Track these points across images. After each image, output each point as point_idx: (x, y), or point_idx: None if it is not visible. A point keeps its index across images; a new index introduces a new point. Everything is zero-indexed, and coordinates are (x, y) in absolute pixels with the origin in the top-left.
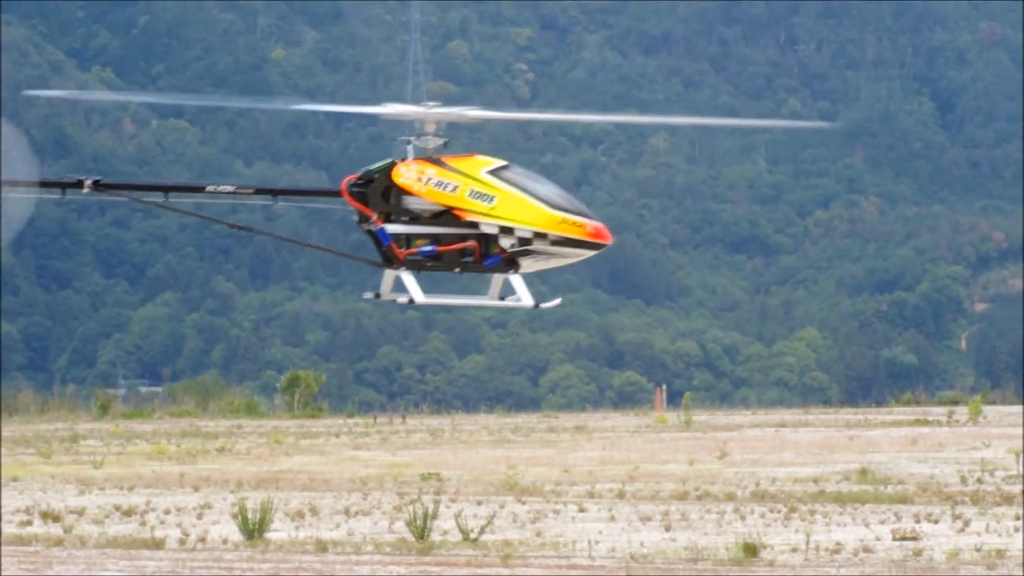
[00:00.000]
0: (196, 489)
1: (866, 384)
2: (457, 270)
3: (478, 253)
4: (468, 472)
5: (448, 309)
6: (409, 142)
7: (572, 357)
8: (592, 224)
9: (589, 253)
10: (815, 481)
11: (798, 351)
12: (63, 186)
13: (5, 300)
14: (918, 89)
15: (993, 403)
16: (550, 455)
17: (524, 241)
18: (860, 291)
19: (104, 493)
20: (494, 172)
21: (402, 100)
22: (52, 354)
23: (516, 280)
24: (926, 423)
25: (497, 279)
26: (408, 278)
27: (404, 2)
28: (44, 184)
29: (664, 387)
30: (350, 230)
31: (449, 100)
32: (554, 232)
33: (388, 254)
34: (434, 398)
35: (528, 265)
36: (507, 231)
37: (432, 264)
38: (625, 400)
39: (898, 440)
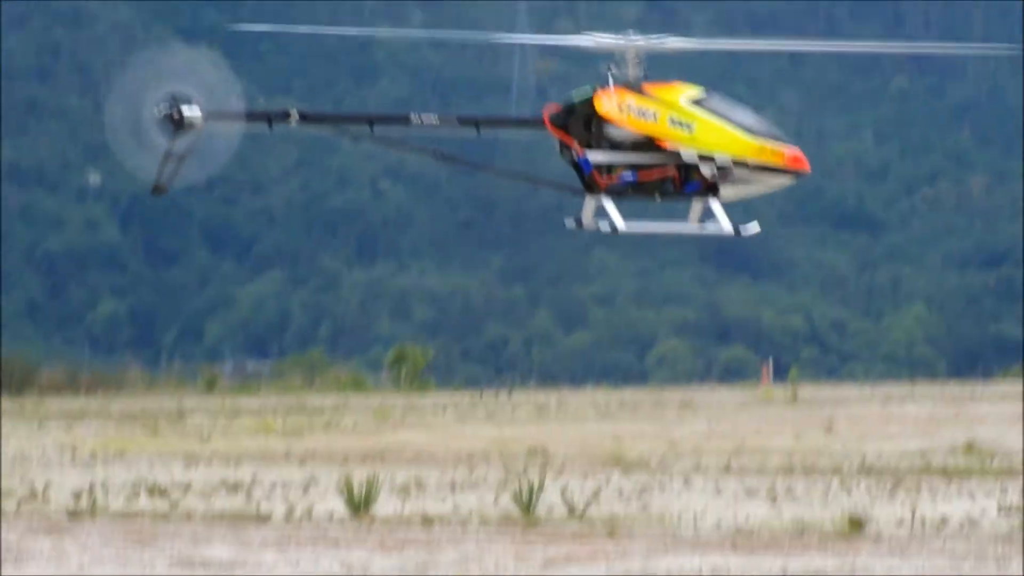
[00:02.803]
0: (302, 464)
1: (973, 358)
2: (657, 197)
3: (678, 181)
4: (574, 446)
5: (555, 283)
6: (609, 70)
7: (679, 332)
8: (791, 151)
9: (788, 180)
10: (921, 455)
11: (905, 325)
12: (269, 118)
13: (112, 278)
14: None
15: None
16: (656, 429)
17: (724, 168)
18: (967, 266)
19: (210, 468)
20: (694, 100)
21: (509, 77)
22: (159, 330)
23: (716, 206)
24: None
25: (696, 206)
26: (610, 206)
27: None
28: (250, 116)
29: (771, 361)
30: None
31: (554, 78)
32: (754, 159)
33: (590, 182)
34: (540, 374)
35: (728, 192)
36: (707, 159)
37: (633, 192)
38: (732, 375)
39: (1005, 414)
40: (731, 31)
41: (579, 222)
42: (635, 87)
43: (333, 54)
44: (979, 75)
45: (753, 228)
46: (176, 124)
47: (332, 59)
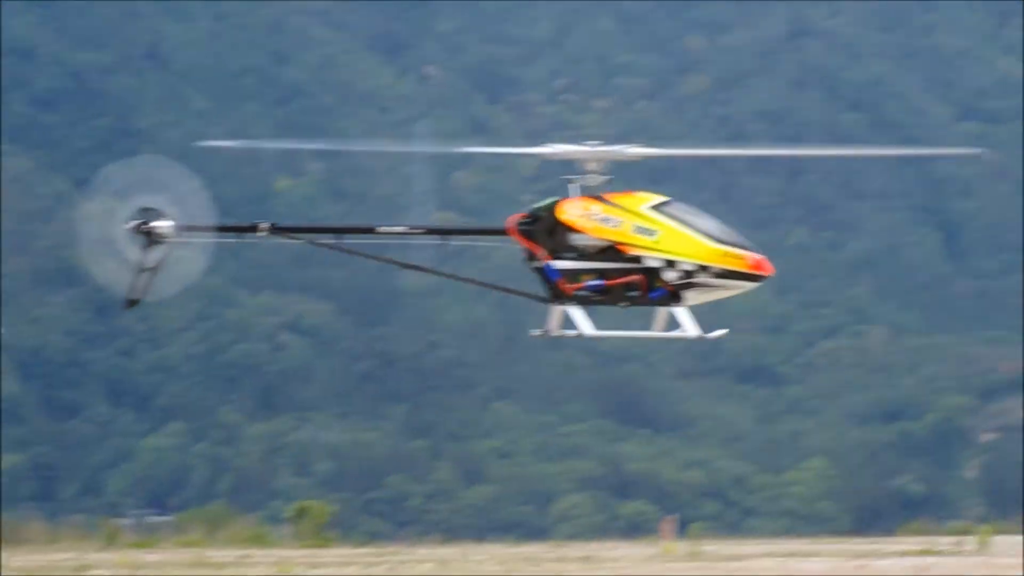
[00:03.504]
0: None
1: (874, 514)
2: (623, 304)
3: (644, 287)
4: None
5: (455, 437)
6: (573, 180)
7: (580, 486)
8: (753, 256)
9: (751, 285)
10: None
11: (806, 480)
12: (240, 230)
13: (12, 430)
14: (924, 219)
15: (1001, 533)
16: None
17: (687, 274)
18: (867, 421)
19: None
20: (656, 207)
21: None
22: (60, 484)
23: (680, 313)
24: (934, 553)
25: (662, 312)
26: (577, 313)
27: (409, 131)
28: (222, 228)
29: (673, 517)
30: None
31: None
32: (716, 264)
33: (556, 290)
34: (443, 528)
35: (692, 298)
36: (670, 264)
37: (599, 298)
38: (633, 530)
39: (907, 570)
40: (630, 184)
41: (546, 331)
42: (597, 195)
43: (230, 205)
44: (877, 229)
45: (719, 333)
46: (148, 237)
47: (228, 211)
